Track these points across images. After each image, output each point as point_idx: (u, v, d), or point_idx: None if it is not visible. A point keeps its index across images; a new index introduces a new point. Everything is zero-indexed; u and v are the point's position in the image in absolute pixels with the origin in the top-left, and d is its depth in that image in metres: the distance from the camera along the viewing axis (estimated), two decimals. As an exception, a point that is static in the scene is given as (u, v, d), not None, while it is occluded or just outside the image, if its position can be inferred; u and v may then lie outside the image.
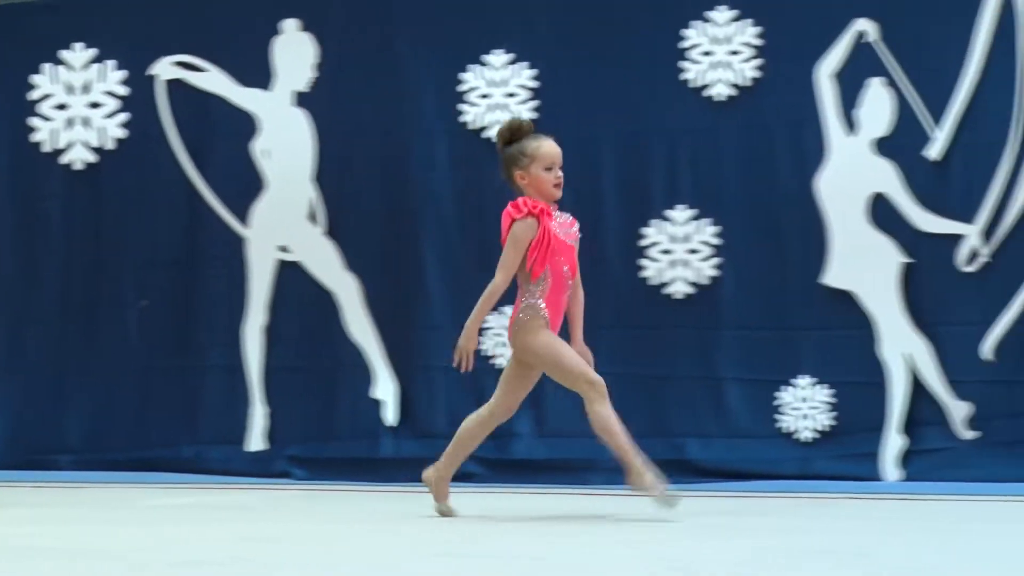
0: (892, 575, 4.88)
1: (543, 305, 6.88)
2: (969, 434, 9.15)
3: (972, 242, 9.18)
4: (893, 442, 9.26)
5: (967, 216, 9.22)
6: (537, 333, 6.87)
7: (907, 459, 9.25)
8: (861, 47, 9.43)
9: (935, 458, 9.18)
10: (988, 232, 9.17)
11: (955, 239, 9.23)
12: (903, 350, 9.27)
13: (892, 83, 9.37)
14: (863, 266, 9.33)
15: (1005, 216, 9.14)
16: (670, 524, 6.51)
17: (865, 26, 9.42)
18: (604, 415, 6.77)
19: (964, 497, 8.23)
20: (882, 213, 9.35)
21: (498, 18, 9.93)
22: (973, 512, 7.53)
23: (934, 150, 9.30)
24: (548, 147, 6.93)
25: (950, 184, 9.29)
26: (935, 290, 9.27)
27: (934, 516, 7.31)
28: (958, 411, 9.17)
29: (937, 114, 9.29)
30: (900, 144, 9.34)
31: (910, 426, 9.27)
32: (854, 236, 9.35)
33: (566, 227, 6.96)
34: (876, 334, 9.34)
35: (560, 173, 6.91)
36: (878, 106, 9.35)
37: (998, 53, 9.20)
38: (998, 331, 9.11)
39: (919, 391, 9.27)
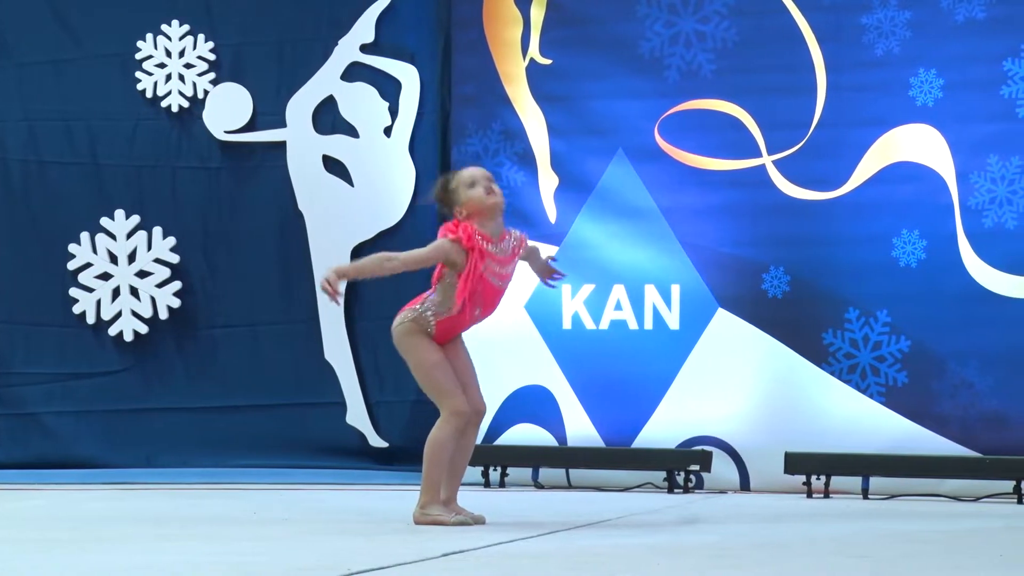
0: None
1: (434, 323, 6.39)
2: None
3: None
4: None
5: None
6: (413, 335, 6.42)
7: None
8: None
9: None
10: None
11: None
12: None
13: None
14: None
15: None
16: None
17: None
18: (440, 441, 6.35)
19: None
20: None
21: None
22: None
23: None
24: (466, 171, 6.54)
25: None
26: None
27: None
28: None
29: None
30: None
31: None
32: None
33: (504, 263, 6.45)
34: None
35: (488, 184, 6.44)
36: None
37: None
38: None
39: None
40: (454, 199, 6.47)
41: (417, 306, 6.46)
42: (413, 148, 9.57)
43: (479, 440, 8.79)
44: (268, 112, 9.74)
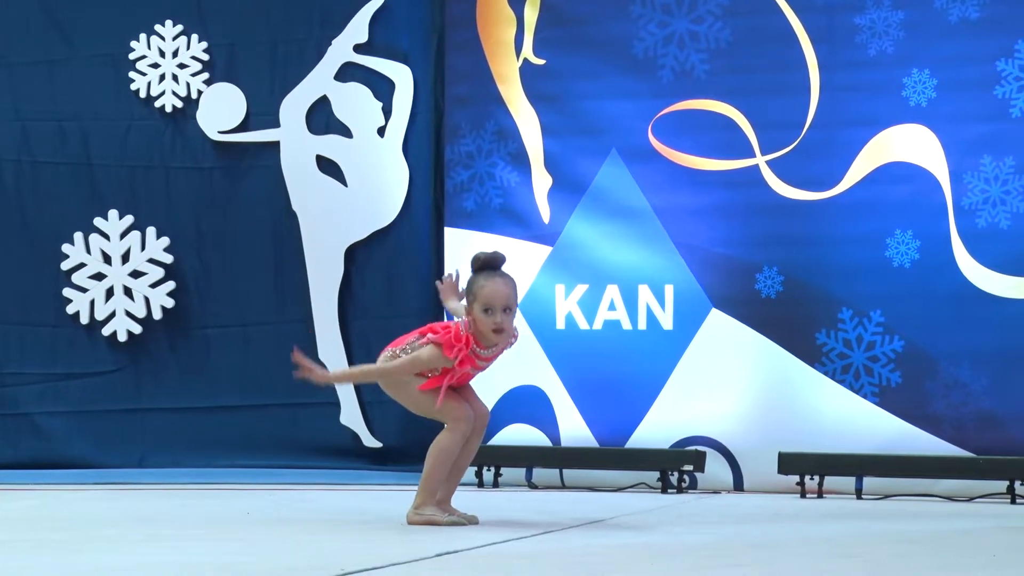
0: None
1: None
2: None
3: None
4: None
5: None
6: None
7: None
8: None
9: None
10: None
11: None
12: None
13: None
14: None
15: None
16: None
17: None
18: (446, 448, 6.32)
19: None
20: None
21: None
22: None
23: None
24: (491, 288, 6.17)
25: None
26: None
27: None
28: None
29: None
30: None
31: None
32: None
33: (487, 360, 6.33)
34: None
35: (501, 318, 6.15)
36: None
37: None
38: None
39: None
40: (469, 296, 6.27)
41: (397, 350, 6.40)
42: (407, 148, 9.56)
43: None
44: (262, 112, 9.74)
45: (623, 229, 8.89)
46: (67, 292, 9.83)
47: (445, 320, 6.79)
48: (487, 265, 6.28)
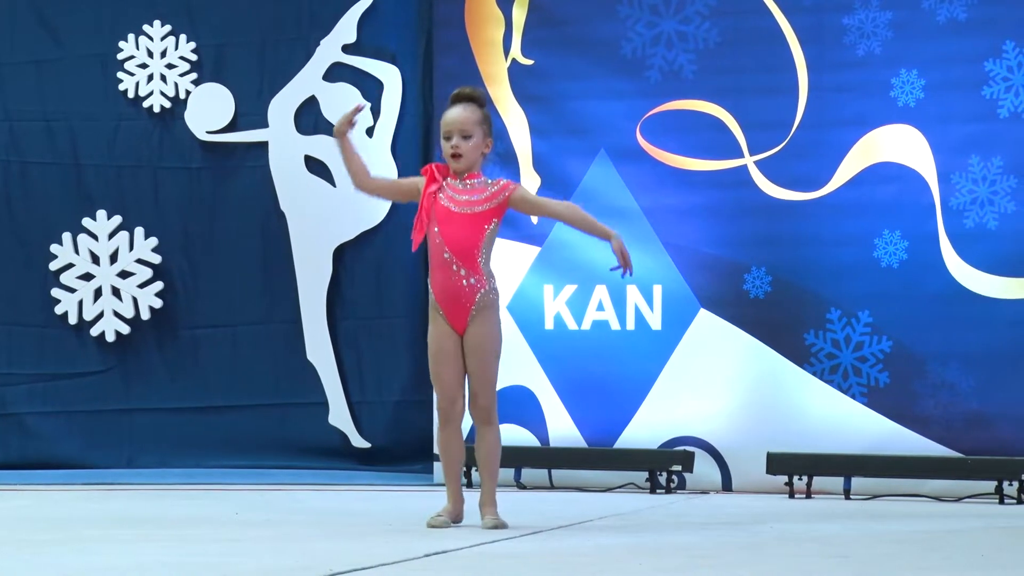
0: None
1: (431, 288, 6.35)
2: None
3: None
4: None
5: None
6: (430, 322, 6.39)
7: None
8: None
9: None
10: None
11: None
12: None
13: None
14: None
15: None
16: None
17: None
18: (441, 441, 6.54)
19: None
20: None
21: None
22: None
23: None
24: (447, 116, 6.31)
25: None
26: None
27: None
28: None
29: None
30: None
31: None
32: None
33: (464, 192, 6.28)
34: None
35: (457, 141, 6.25)
36: None
37: None
38: None
39: None
40: None
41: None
42: (395, 148, 9.56)
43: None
44: (250, 112, 9.74)
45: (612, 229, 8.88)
46: (55, 292, 9.82)
47: None
48: (456, 99, 6.37)
